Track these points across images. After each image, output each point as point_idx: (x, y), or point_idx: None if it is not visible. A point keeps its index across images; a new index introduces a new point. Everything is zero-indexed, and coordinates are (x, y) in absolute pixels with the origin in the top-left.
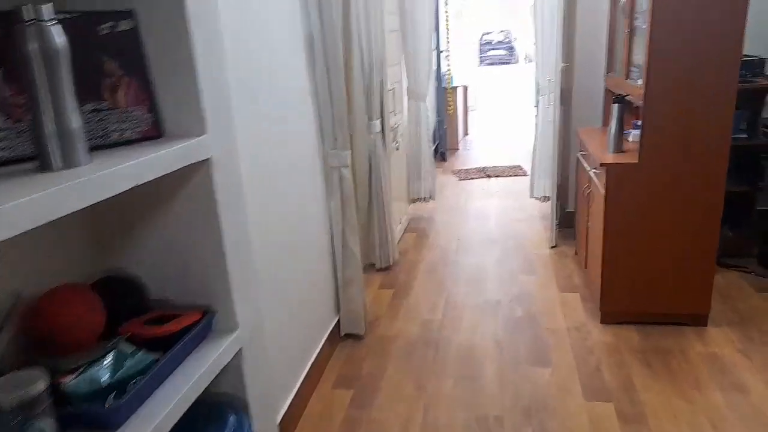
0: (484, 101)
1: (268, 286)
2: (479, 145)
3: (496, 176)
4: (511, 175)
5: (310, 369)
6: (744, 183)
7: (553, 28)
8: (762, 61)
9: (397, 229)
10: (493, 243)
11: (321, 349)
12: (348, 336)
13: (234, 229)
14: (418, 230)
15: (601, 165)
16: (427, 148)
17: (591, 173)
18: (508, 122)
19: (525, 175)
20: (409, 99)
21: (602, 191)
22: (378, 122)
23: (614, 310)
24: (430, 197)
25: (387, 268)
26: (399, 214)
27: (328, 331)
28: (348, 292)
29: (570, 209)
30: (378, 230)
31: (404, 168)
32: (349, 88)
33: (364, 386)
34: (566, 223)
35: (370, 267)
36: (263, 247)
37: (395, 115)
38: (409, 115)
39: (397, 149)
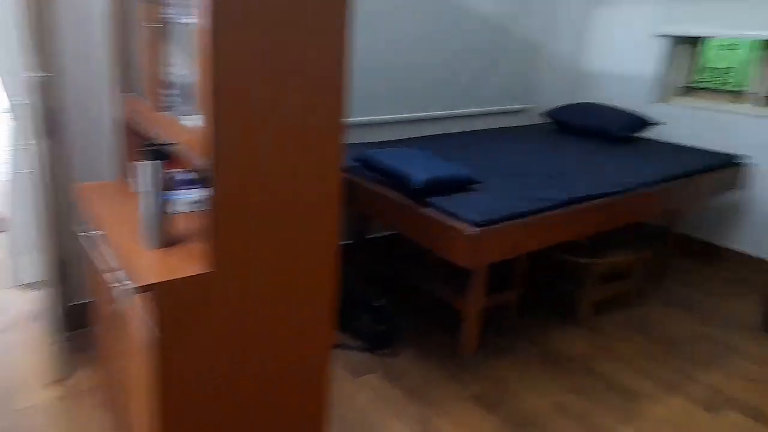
0: None
1: None
2: None
3: None
4: None
5: None
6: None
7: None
8: None
9: None
10: None
11: None
12: None
13: None
14: None
15: (143, 288)
16: None
17: (116, 288)
18: None
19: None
20: None
21: (146, 334)
22: None
23: None
24: None
25: None
26: None
27: None
28: None
29: (81, 301)
30: None
31: None
32: None
33: None
34: (77, 322)
35: None
36: None
37: None
38: None
39: None
